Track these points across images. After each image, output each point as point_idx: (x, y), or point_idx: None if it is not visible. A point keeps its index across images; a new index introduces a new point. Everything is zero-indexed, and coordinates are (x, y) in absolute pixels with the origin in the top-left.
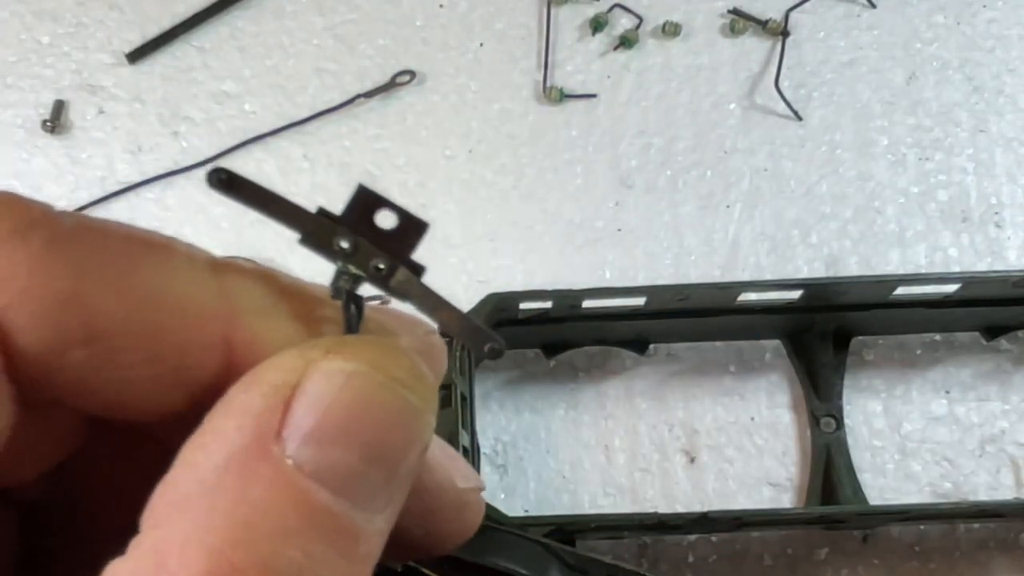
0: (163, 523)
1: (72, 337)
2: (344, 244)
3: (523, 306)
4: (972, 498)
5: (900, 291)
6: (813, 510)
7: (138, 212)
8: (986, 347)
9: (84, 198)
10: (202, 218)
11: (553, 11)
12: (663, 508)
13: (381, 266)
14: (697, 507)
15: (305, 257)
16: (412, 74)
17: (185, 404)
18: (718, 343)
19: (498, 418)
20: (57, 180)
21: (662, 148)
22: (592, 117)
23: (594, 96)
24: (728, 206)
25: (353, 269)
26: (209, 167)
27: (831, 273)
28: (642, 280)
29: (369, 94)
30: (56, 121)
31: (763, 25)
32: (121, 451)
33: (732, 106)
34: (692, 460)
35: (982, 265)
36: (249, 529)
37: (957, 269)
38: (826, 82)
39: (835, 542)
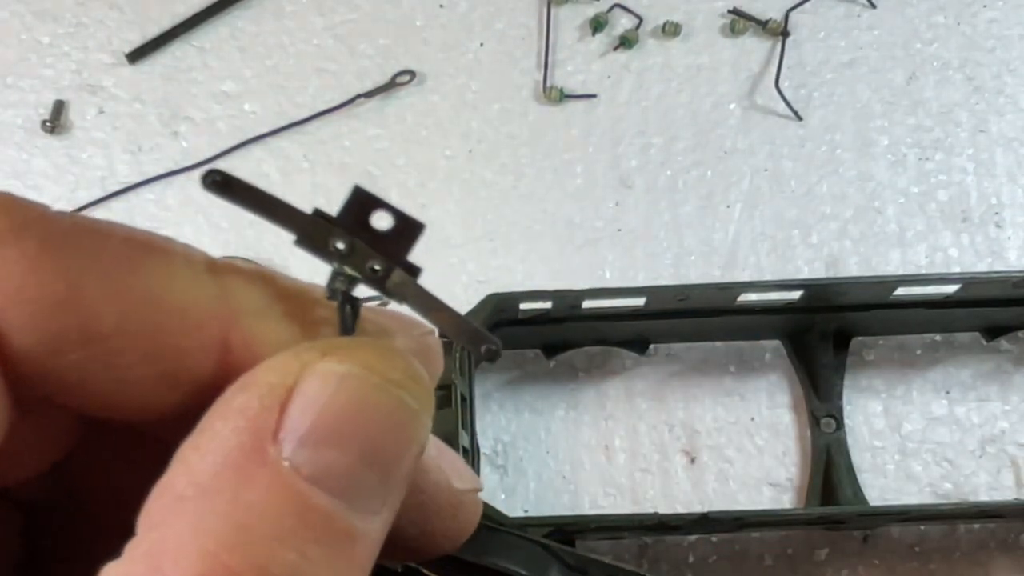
0: (158, 525)
1: (68, 338)
2: (340, 245)
3: (523, 306)
4: (972, 498)
5: (900, 291)
6: (813, 510)
7: (138, 212)
8: (986, 347)
9: (84, 198)
10: (202, 218)
11: (553, 11)
12: (663, 508)
13: (377, 267)
14: (697, 507)
15: (305, 258)
16: (412, 74)
17: (182, 405)
18: (718, 343)
19: (498, 418)
20: (57, 180)
21: (662, 148)
22: (592, 117)
23: (594, 96)
24: (728, 206)
25: (349, 270)
26: (208, 167)
27: (831, 273)
28: (642, 280)
29: (369, 94)
30: (56, 121)
31: (763, 25)
32: (120, 451)
33: (732, 106)
34: (692, 460)
35: (982, 265)
36: (245, 532)
37: (957, 269)
38: (826, 82)
39: (835, 542)
